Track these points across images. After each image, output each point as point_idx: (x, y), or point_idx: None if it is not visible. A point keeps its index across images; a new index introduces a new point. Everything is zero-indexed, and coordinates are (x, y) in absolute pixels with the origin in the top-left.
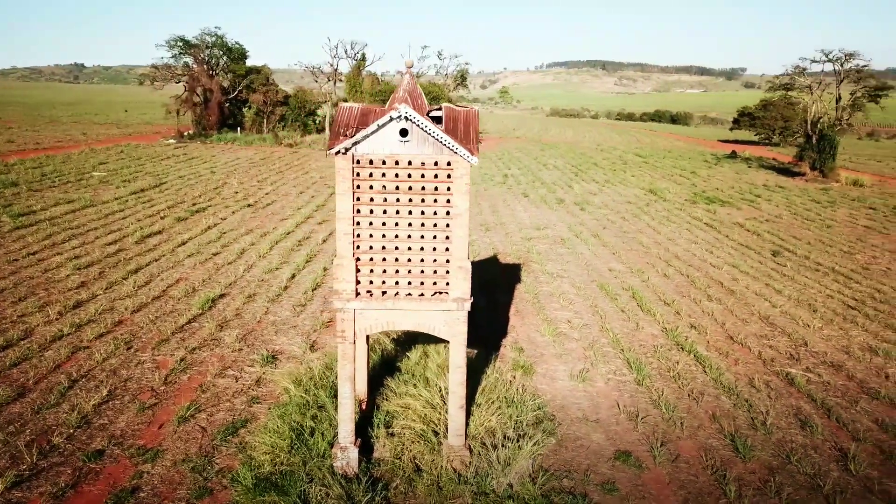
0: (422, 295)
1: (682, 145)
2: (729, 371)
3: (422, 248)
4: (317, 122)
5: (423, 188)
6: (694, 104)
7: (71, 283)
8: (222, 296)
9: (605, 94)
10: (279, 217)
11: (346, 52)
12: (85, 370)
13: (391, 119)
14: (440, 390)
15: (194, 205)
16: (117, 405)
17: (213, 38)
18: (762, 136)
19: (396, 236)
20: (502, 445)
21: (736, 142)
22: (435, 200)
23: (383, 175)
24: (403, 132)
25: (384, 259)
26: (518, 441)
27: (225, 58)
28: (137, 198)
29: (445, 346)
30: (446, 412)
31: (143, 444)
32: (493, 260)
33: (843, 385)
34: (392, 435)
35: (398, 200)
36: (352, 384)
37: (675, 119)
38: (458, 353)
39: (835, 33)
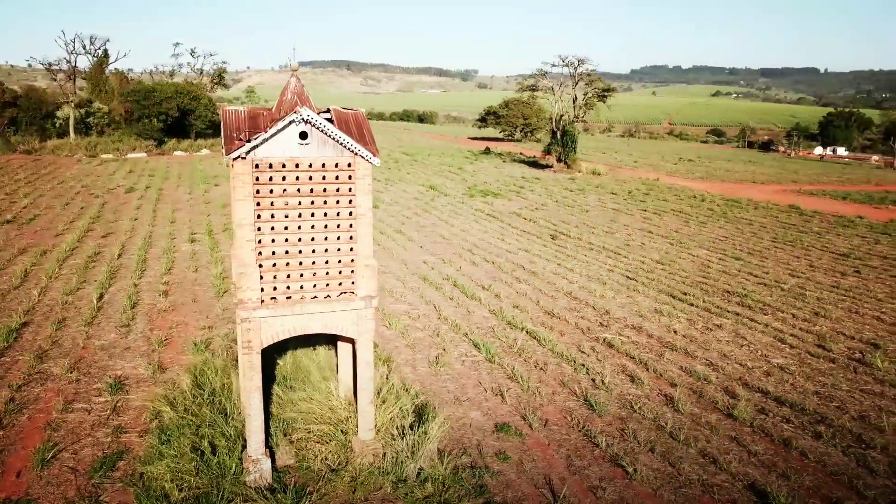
0: (328, 297)
1: (441, 143)
2: (559, 342)
3: (326, 250)
4: (57, 124)
5: (324, 190)
6: (436, 103)
7: None
8: (25, 324)
9: (352, 94)
10: (52, 233)
11: (84, 47)
12: None
13: (291, 122)
14: (331, 391)
15: None
16: None
17: None
18: (506, 132)
19: (300, 240)
20: (405, 434)
21: (484, 139)
22: (337, 202)
23: (284, 179)
24: (303, 135)
25: (288, 264)
26: (419, 428)
27: None
28: None
29: (314, 349)
30: (348, 410)
31: (5, 496)
32: None
33: (647, 343)
34: (292, 442)
35: (300, 203)
36: (260, 394)
37: (422, 118)
38: (367, 350)
39: (561, 40)
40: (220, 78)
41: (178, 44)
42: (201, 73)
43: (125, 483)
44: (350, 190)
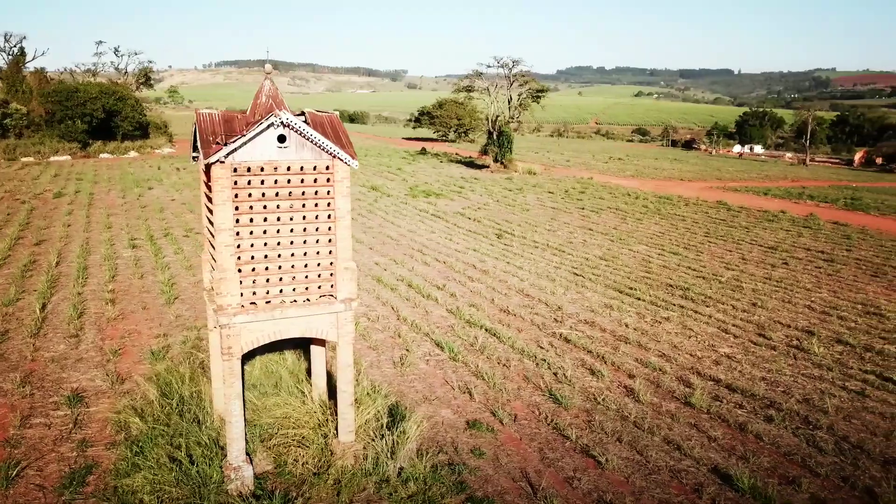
0: (307, 300)
1: (376, 143)
2: (518, 338)
3: (305, 254)
4: None
5: (303, 193)
6: (366, 103)
7: None
8: None
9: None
10: None
11: None
12: None
13: (270, 125)
14: (305, 396)
15: None
16: None
17: None
18: (440, 133)
19: (279, 243)
20: (383, 435)
21: (419, 139)
22: (316, 204)
23: (262, 182)
24: (281, 138)
25: (267, 268)
26: (395, 428)
27: None
28: None
29: (282, 354)
30: (325, 414)
31: None
32: None
33: (601, 337)
34: (269, 448)
35: (279, 207)
36: (241, 401)
37: (353, 118)
38: (347, 353)
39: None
40: (145, 78)
41: (100, 42)
42: (126, 72)
43: (98, 498)
44: (328, 193)
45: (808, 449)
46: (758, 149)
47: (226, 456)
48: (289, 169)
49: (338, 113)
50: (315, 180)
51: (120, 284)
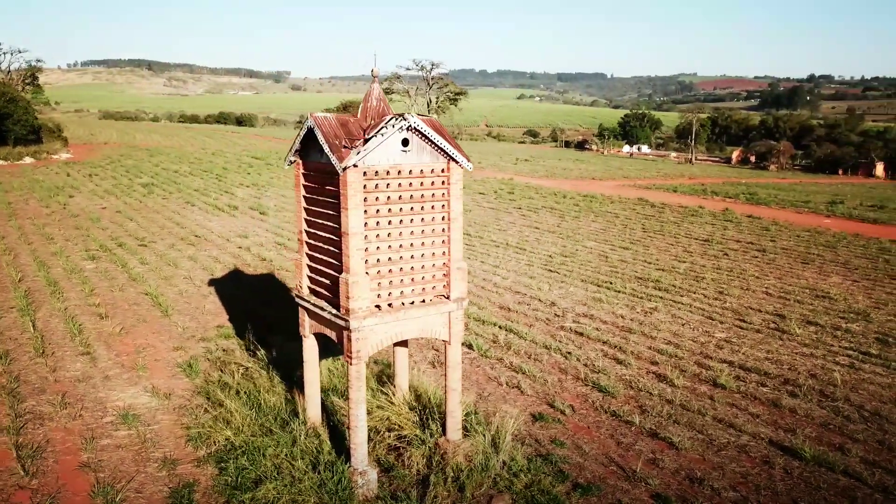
0: (423, 301)
1: (282, 146)
2: (533, 334)
3: (422, 255)
4: None
5: (422, 196)
6: (251, 105)
7: None
8: None
9: (156, 96)
10: None
11: None
12: None
13: (398, 129)
14: (401, 398)
15: None
16: None
17: None
18: None
19: (401, 246)
20: (477, 431)
21: None
22: (433, 207)
23: (388, 186)
24: (405, 142)
25: (390, 270)
26: (491, 422)
27: None
28: None
29: (339, 357)
30: (422, 414)
31: None
32: (239, 273)
33: (607, 328)
34: (375, 451)
35: (401, 210)
36: (364, 405)
37: (240, 121)
38: (457, 352)
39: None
40: (32, 78)
41: None
42: (9, 72)
43: None
44: (443, 195)
45: (839, 419)
46: (645, 149)
47: (348, 461)
48: (410, 172)
49: (220, 113)
50: (432, 183)
51: (103, 298)
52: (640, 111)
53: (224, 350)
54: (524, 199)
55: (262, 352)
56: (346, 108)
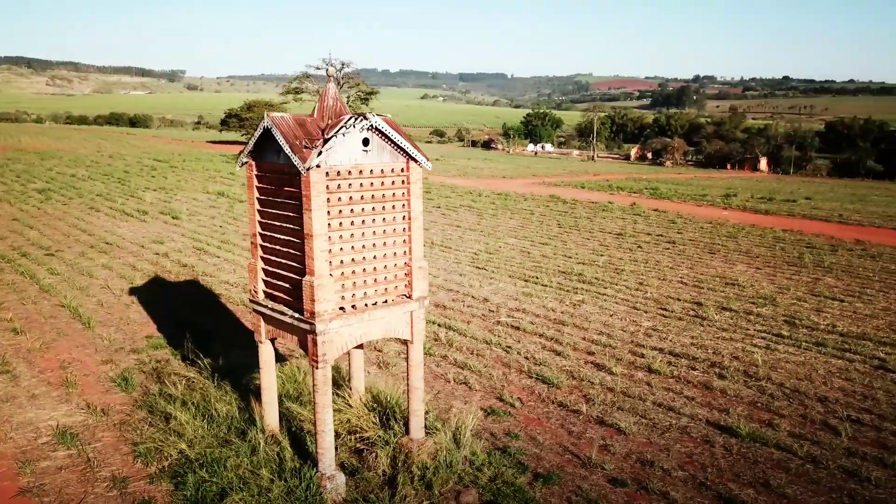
0: (386, 301)
1: (184, 148)
2: (471, 329)
3: (385, 255)
4: None
5: (383, 196)
6: (144, 106)
7: None
8: None
9: (39, 96)
10: None
11: None
12: None
13: (360, 128)
14: (358, 400)
15: None
16: None
17: None
18: (250, 136)
19: (364, 246)
20: (438, 429)
21: (224, 142)
22: (393, 206)
23: (350, 186)
24: (366, 141)
25: (353, 272)
26: (449, 419)
27: None
28: None
29: (287, 362)
30: (380, 415)
31: None
32: (161, 281)
33: (540, 321)
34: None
35: (363, 210)
36: (331, 410)
37: (133, 122)
38: (419, 351)
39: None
40: None
41: None
42: None
43: None
44: (404, 195)
45: (764, 397)
46: (548, 147)
47: (315, 466)
48: (371, 172)
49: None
50: (393, 182)
51: (15, 312)
52: (542, 111)
53: (158, 361)
54: (442, 198)
55: (206, 360)
56: (250, 108)
